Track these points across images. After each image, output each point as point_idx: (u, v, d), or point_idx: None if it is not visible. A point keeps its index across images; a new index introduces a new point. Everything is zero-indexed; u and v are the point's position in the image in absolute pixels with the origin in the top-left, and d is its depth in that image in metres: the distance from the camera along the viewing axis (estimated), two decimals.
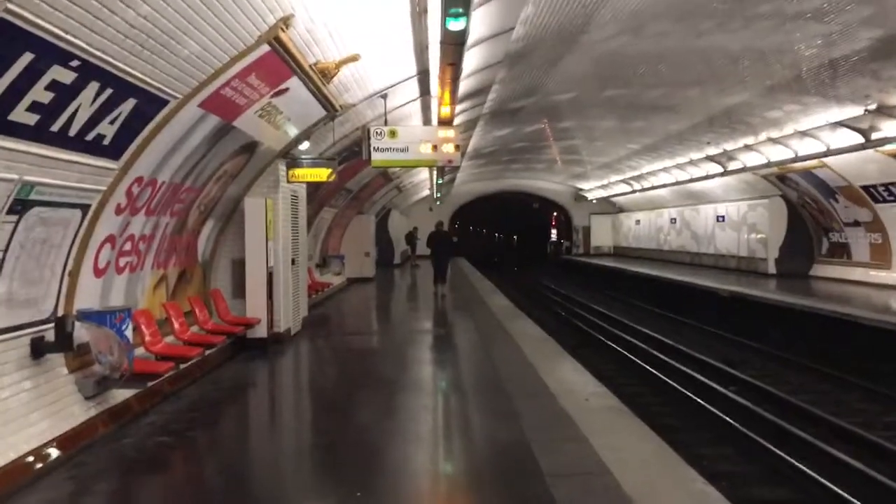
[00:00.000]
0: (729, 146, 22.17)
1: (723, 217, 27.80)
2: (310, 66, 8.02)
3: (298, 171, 11.42)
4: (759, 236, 24.80)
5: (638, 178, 31.58)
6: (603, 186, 37.29)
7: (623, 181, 33.40)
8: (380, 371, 10.01)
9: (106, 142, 5.92)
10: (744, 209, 25.95)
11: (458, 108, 11.77)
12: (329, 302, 18.18)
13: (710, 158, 23.76)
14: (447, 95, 10.07)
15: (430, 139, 11.01)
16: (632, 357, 15.06)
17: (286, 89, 8.25)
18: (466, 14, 5.71)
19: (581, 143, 26.32)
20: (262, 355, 10.62)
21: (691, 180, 26.71)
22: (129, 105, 5.81)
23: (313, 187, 14.63)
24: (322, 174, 11.44)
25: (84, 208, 6.29)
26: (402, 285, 25.64)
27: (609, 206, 41.91)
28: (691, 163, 25.46)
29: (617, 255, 41.20)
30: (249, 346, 10.74)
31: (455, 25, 5.89)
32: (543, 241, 52.62)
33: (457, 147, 11.14)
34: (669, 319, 21.64)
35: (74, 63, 4.78)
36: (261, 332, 10.84)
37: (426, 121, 14.16)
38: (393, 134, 10.97)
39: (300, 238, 13.00)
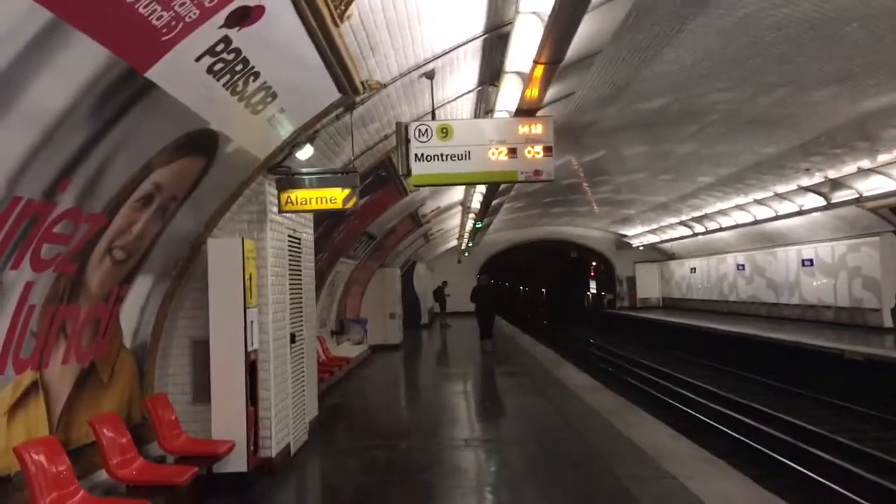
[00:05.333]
0: (833, 173, 17.94)
1: (810, 261, 23.74)
2: None
3: (297, 194, 6.93)
4: (865, 282, 20.37)
5: (700, 219, 27.30)
6: (653, 231, 32.99)
7: (681, 223, 29.07)
8: None
9: None
10: (841, 250, 21.92)
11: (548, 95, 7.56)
12: (348, 384, 13.65)
13: (806, 189, 19.48)
14: (547, 53, 5.90)
15: (505, 138, 6.75)
16: (774, 455, 10.53)
17: (258, 8, 4.10)
18: None
19: (642, 178, 22.09)
20: None
21: (776, 217, 22.36)
22: None
23: (323, 229, 10.42)
24: (336, 197, 6.87)
25: None
26: (436, 353, 21.13)
27: (656, 254, 37.75)
28: (776, 197, 21.21)
29: (668, 308, 36.69)
30: (217, 488, 6.35)
31: None
32: (581, 294, 47.94)
33: (547, 150, 6.85)
34: (776, 390, 16.88)
35: None
36: (237, 462, 6.39)
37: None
38: (445, 133, 6.75)
39: (304, 301, 8.60)
